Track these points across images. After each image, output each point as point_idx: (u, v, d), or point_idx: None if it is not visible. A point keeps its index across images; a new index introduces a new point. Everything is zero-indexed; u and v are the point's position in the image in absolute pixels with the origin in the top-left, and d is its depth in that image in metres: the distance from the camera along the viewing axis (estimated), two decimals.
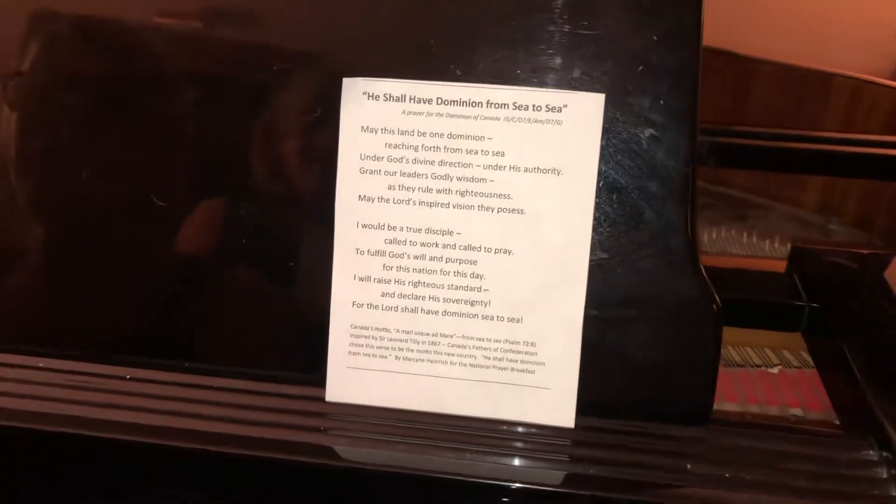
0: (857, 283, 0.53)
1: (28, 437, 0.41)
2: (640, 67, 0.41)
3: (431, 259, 0.43)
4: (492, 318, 0.43)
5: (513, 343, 0.43)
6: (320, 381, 0.44)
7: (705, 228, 0.82)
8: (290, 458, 0.40)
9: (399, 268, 0.43)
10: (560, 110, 0.41)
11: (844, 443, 0.42)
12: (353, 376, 0.44)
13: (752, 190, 0.97)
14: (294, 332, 0.45)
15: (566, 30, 0.41)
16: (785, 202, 0.94)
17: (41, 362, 0.45)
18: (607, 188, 0.42)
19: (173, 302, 0.47)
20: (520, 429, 0.43)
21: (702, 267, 0.42)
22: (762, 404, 0.58)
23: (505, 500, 0.40)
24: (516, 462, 0.41)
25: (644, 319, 0.42)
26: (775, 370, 0.62)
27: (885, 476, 0.40)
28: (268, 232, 0.45)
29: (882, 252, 0.56)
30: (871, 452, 0.41)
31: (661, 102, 0.41)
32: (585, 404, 0.42)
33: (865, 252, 0.56)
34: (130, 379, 0.45)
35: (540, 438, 0.42)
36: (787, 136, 0.80)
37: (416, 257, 0.43)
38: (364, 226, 0.43)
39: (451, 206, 0.42)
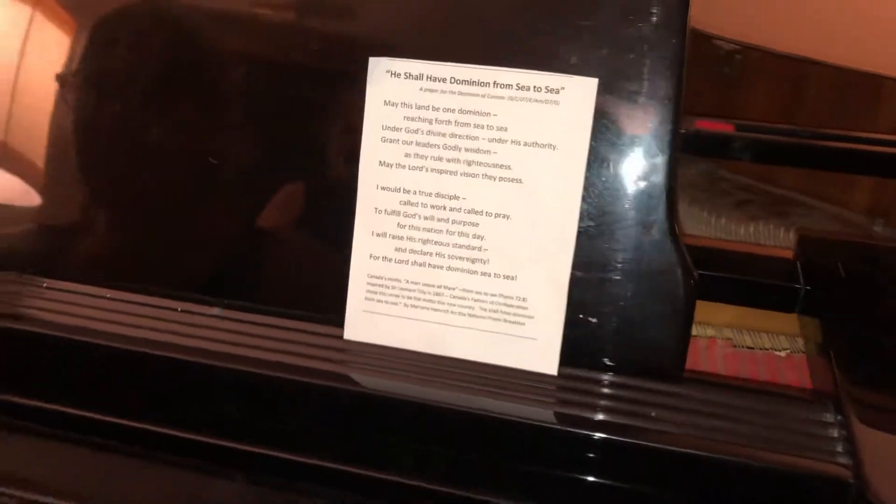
0: (852, 268, 0.56)
1: (105, 352, 0.50)
2: (631, 56, 0.46)
3: (439, 220, 0.49)
4: (489, 275, 0.48)
5: (507, 297, 0.48)
6: (340, 322, 0.51)
7: (743, 223, 0.85)
8: (310, 381, 0.47)
9: (411, 226, 0.49)
10: (558, 92, 0.46)
11: (807, 405, 0.46)
12: (367, 319, 0.50)
13: (799, 188, 0.98)
14: (320, 279, 0.52)
15: (566, 21, 0.46)
16: (831, 202, 0.95)
17: (108, 293, 0.54)
18: (596, 163, 0.47)
19: (220, 250, 0.54)
20: (510, 372, 0.48)
21: (680, 239, 0.46)
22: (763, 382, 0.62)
23: (492, 430, 0.45)
24: (506, 399, 0.46)
25: (623, 283, 0.47)
26: (783, 353, 0.65)
27: (836, 435, 0.43)
28: (303, 193, 0.52)
29: (884, 244, 0.58)
30: (828, 415, 0.45)
31: (649, 88, 0.46)
32: (568, 355, 0.48)
33: (867, 242, 0.59)
34: (181, 311, 0.53)
35: (527, 382, 0.47)
36: (829, 136, 0.82)
37: (426, 218, 0.49)
38: (383, 188, 0.49)
39: (458, 174, 0.48)
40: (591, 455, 0.44)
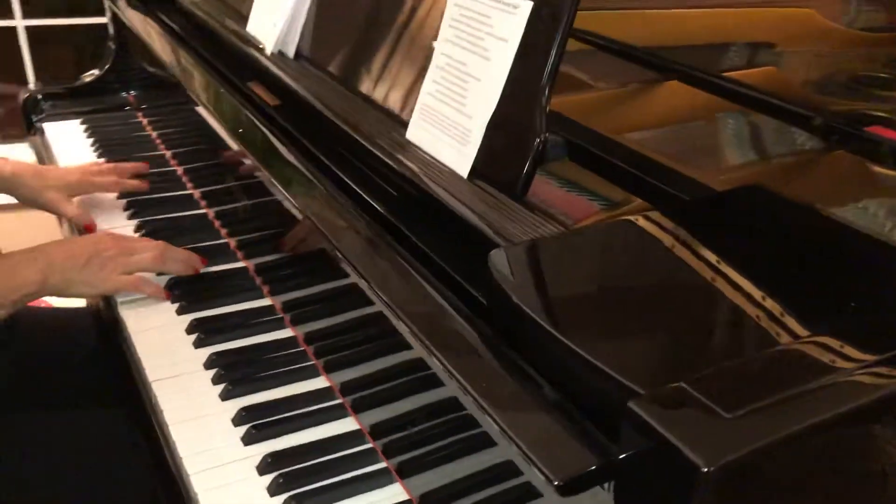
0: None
1: None
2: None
3: (453, 76, 0.82)
4: (463, 113, 0.80)
5: (465, 128, 0.80)
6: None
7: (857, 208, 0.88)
8: (379, 155, 0.87)
9: (444, 77, 0.83)
10: (517, 7, 0.75)
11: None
12: (419, 129, 0.86)
13: None
14: (408, 98, 0.89)
15: None
16: None
17: None
18: (519, 53, 0.74)
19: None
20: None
21: (545, 110, 0.72)
22: None
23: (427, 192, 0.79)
24: (439, 181, 0.79)
25: (507, 130, 0.74)
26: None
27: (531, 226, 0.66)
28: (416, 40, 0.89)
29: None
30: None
31: (549, 14, 0.72)
32: (474, 169, 0.77)
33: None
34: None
35: (452, 177, 0.79)
36: None
37: (451, 74, 0.82)
38: (442, 53, 0.84)
39: (468, 50, 0.80)
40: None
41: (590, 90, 1.14)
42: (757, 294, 0.60)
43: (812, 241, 0.69)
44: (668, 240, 0.64)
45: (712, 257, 0.63)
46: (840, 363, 0.50)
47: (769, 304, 0.59)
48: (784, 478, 0.45)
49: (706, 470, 0.41)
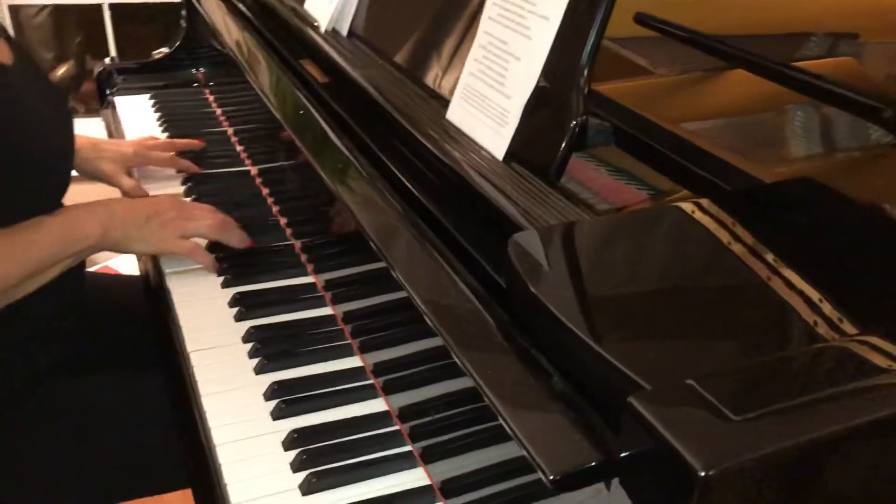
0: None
1: None
2: None
3: (494, 55, 0.80)
4: (502, 93, 0.78)
5: (503, 108, 0.77)
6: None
7: None
8: (418, 136, 0.85)
9: (485, 54, 0.81)
10: None
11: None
12: (459, 109, 0.84)
13: None
14: (452, 79, 0.87)
15: None
16: None
17: None
18: (559, 33, 0.71)
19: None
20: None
21: (583, 91, 0.69)
22: None
23: (460, 174, 0.77)
24: (471, 160, 0.77)
25: (541, 114, 0.72)
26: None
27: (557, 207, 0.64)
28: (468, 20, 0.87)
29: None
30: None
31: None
32: (508, 152, 0.75)
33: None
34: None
35: (487, 157, 0.77)
36: None
37: (492, 52, 0.80)
38: (485, 31, 0.82)
39: (509, 29, 0.78)
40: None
41: (649, 76, 1.10)
42: (795, 292, 0.56)
43: (863, 238, 0.65)
44: (698, 230, 0.60)
45: (748, 251, 0.59)
46: (872, 368, 0.47)
47: (808, 303, 0.55)
48: (793, 489, 0.41)
49: (703, 474, 0.38)
